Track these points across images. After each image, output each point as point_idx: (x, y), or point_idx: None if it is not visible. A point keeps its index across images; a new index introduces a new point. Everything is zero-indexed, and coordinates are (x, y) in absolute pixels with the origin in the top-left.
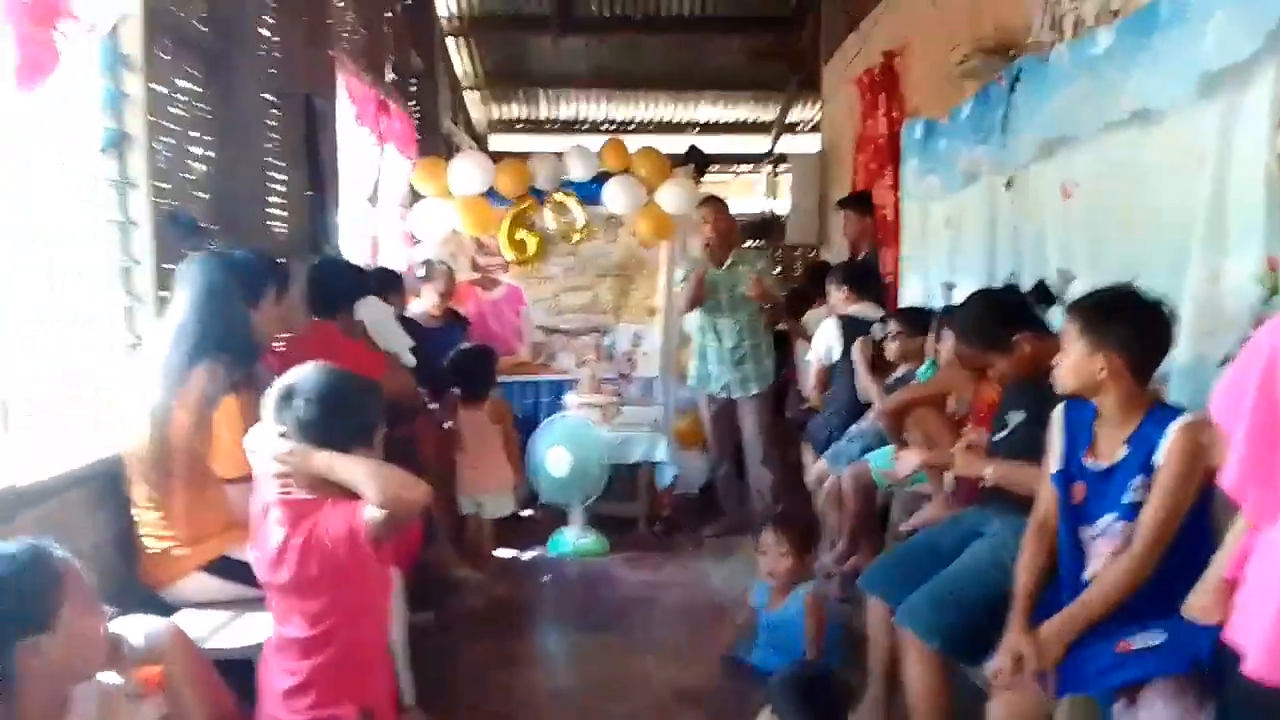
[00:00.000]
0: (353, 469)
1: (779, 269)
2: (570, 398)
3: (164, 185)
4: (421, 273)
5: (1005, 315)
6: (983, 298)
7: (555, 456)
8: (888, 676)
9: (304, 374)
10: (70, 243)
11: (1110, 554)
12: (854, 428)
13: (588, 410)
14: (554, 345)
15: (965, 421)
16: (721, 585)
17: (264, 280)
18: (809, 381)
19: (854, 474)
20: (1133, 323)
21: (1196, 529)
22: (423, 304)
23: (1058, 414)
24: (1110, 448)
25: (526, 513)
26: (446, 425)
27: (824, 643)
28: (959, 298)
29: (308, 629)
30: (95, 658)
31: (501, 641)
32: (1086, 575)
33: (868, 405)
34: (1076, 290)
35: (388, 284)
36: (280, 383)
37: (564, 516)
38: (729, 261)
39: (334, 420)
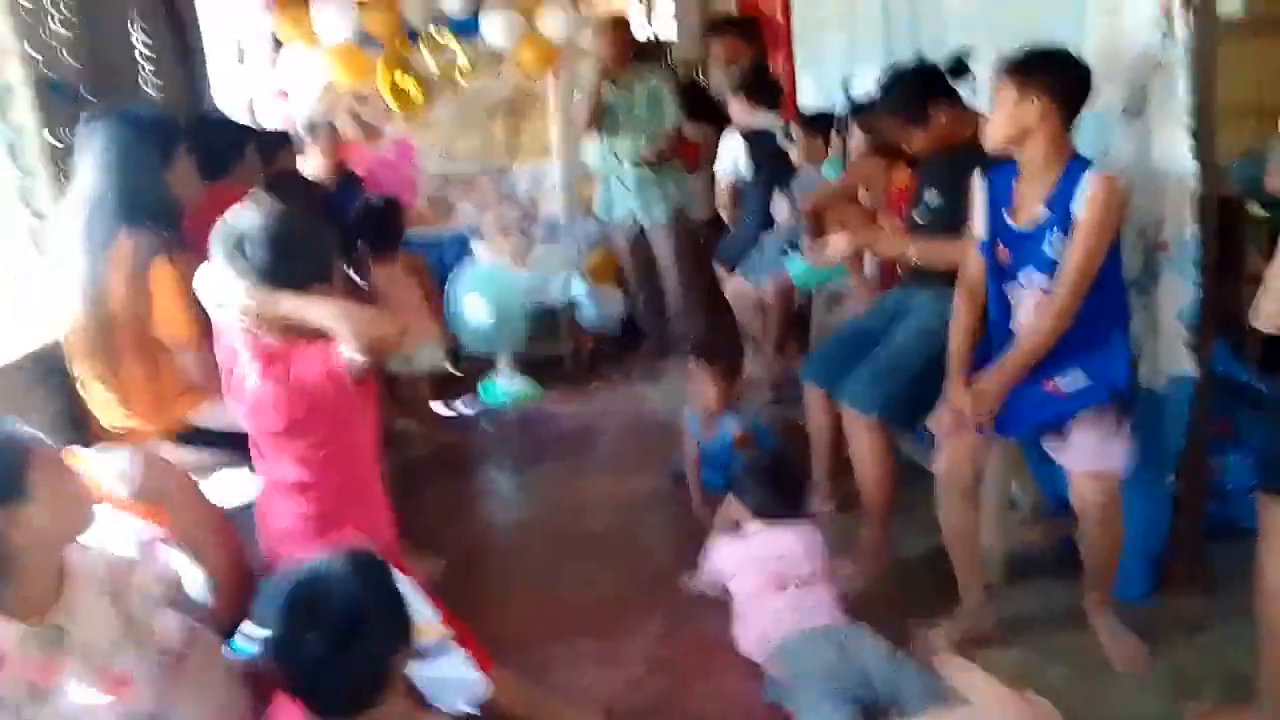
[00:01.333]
0: (323, 312)
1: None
2: (478, 246)
3: (35, 54)
4: (303, 132)
5: (922, 87)
6: (899, 72)
7: (474, 304)
8: (831, 457)
9: (252, 218)
10: None
11: (1033, 305)
12: (766, 237)
13: (497, 256)
14: (451, 194)
15: (879, 211)
16: (659, 405)
17: (174, 139)
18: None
19: (774, 281)
20: (1060, 68)
21: (1111, 275)
22: (308, 165)
23: (979, 182)
24: (1031, 207)
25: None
26: (362, 283)
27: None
28: (859, 90)
29: (302, 469)
30: (78, 521)
31: (455, 486)
32: (1013, 325)
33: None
34: (981, 66)
35: (276, 144)
36: (228, 229)
37: (491, 365)
38: (625, 81)
39: (292, 263)
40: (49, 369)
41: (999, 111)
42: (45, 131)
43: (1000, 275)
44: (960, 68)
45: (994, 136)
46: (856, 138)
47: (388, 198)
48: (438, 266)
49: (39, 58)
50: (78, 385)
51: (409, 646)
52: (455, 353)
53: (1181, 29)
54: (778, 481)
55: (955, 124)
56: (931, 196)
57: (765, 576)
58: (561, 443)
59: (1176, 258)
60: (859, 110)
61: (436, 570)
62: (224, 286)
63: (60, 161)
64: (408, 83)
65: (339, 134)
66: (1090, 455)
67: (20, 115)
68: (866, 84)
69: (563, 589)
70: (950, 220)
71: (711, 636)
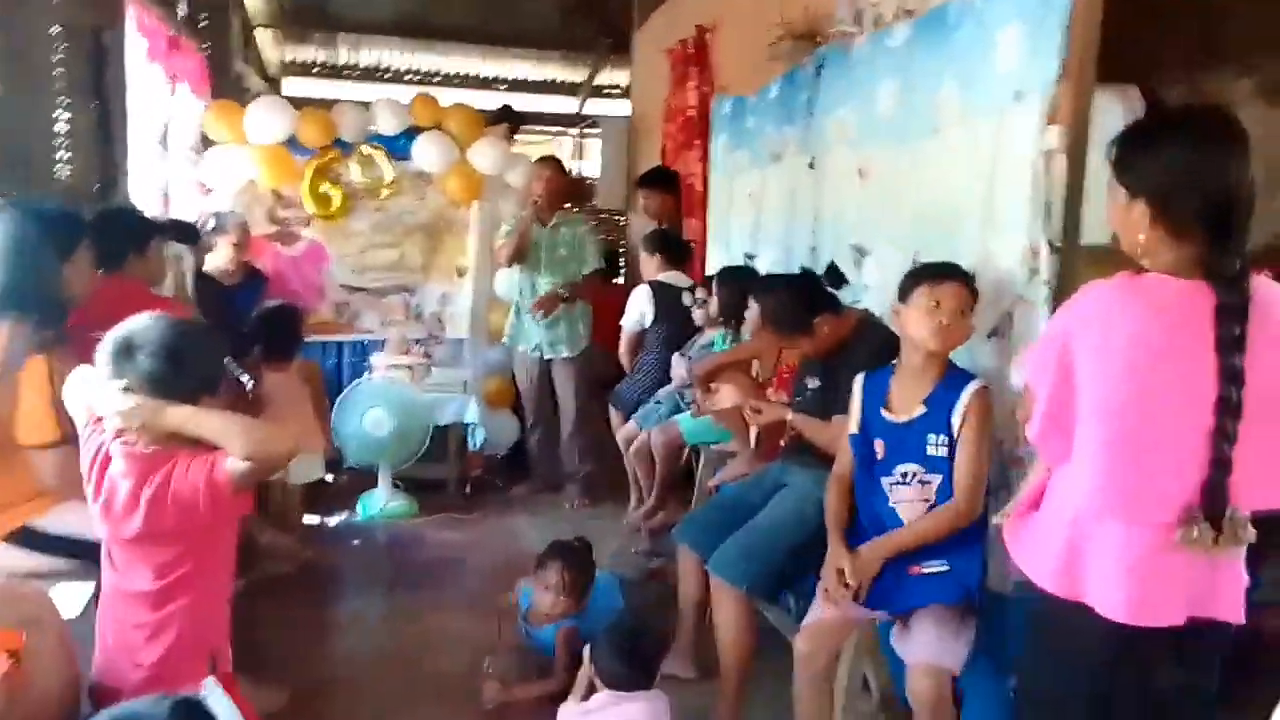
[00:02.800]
0: (213, 423)
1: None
2: (377, 358)
3: None
4: (212, 224)
5: (806, 302)
6: (785, 289)
7: (374, 419)
8: (698, 622)
9: (143, 325)
10: None
11: (916, 499)
12: (662, 391)
13: (395, 371)
14: (358, 304)
15: (769, 385)
16: (533, 544)
17: (76, 232)
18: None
19: (663, 432)
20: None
21: None
22: (216, 259)
23: (858, 384)
24: (908, 404)
25: (330, 477)
26: (250, 384)
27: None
28: (762, 267)
29: (156, 580)
30: None
31: (314, 607)
32: (892, 505)
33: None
34: (869, 266)
35: (183, 235)
36: (116, 335)
37: (371, 480)
38: (553, 222)
39: (180, 372)
40: None
41: (953, 312)
42: None
43: (876, 468)
44: (837, 279)
45: (958, 339)
46: (752, 313)
47: (289, 304)
48: (333, 373)
49: None
50: None
51: None
52: (336, 463)
53: (1045, 268)
54: (633, 654)
55: (835, 328)
56: (811, 382)
57: None
58: (429, 570)
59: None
60: (758, 286)
61: (278, 701)
62: (107, 393)
63: None
64: (333, 191)
65: (249, 230)
66: (929, 648)
67: None
68: (768, 263)
69: None
70: (824, 405)
71: None
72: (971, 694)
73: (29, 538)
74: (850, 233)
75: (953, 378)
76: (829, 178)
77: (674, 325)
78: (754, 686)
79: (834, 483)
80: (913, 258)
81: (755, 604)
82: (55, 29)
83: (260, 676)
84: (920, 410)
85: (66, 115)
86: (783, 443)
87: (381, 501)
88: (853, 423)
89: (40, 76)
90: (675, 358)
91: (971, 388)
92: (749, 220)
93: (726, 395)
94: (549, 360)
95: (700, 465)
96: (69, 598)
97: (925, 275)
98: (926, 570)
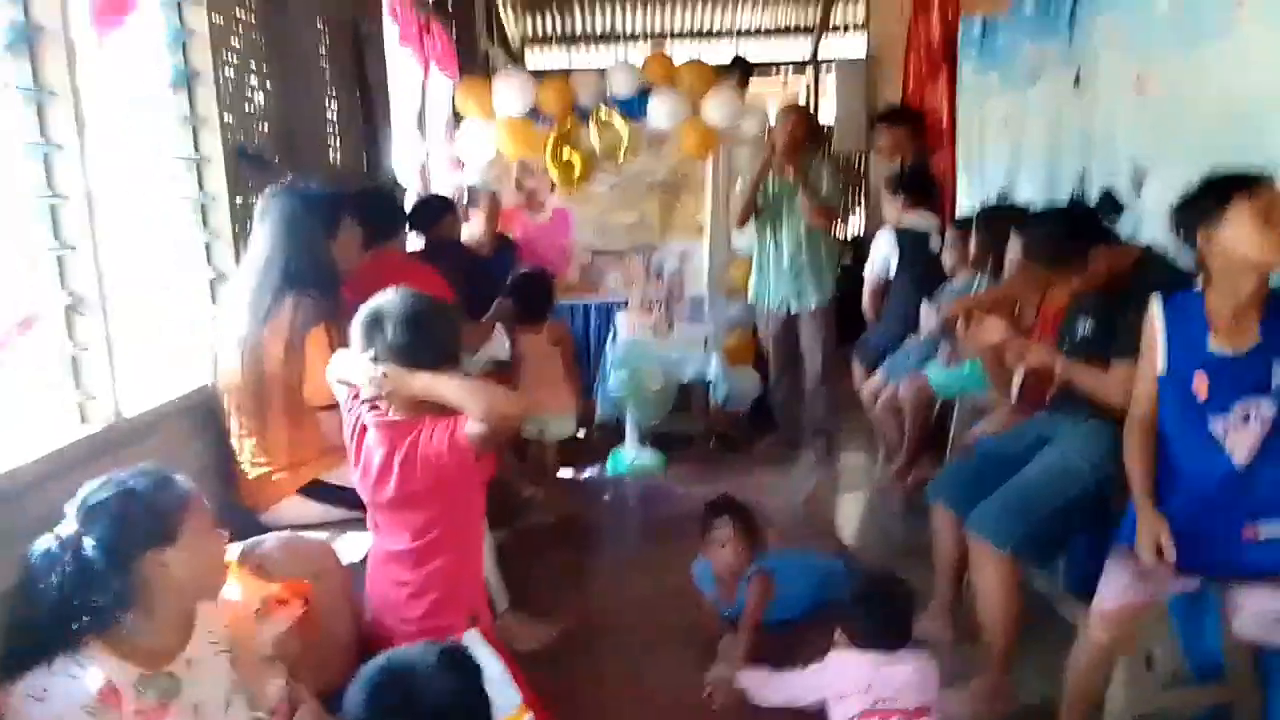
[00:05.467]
0: (452, 387)
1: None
2: (621, 318)
3: (230, 119)
4: (465, 199)
5: (1077, 232)
6: (1053, 219)
7: (614, 375)
8: (955, 583)
9: (391, 299)
10: (149, 183)
11: (1256, 440)
12: (910, 340)
13: (639, 331)
14: (601, 266)
15: (1031, 332)
16: (781, 496)
17: (339, 212)
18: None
19: (913, 384)
20: None
21: None
22: (471, 230)
23: (1157, 315)
24: (1241, 333)
25: (582, 434)
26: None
27: (760, 615)
28: (1020, 201)
29: (414, 541)
30: (216, 576)
31: (574, 555)
32: (1228, 450)
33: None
34: (1151, 189)
35: (442, 210)
36: (366, 309)
37: (620, 436)
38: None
39: (424, 342)
40: (205, 413)
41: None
42: (234, 197)
43: (1199, 410)
44: (1114, 208)
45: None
46: (1014, 251)
47: (540, 269)
48: (581, 334)
49: (232, 121)
50: (230, 434)
51: None
52: (589, 421)
53: None
54: (893, 606)
55: (1113, 261)
56: (1084, 325)
57: (870, 703)
58: (674, 523)
59: None
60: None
61: (549, 636)
62: (361, 365)
63: (242, 223)
64: (573, 157)
65: (500, 201)
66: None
67: (214, 183)
68: (1028, 195)
69: (657, 684)
70: (1099, 351)
71: None
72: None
73: (320, 490)
74: (1126, 154)
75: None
76: (1099, 92)
77: (921, 272)
78: (1020, 652)
79: (1137, 434)
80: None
81: (1020, 568)
82: (320, 22)
83: (533, 613)
84: (1257, 337)
85: (334, 103)
86: (1049, 394)
87: (630, 457)
88: (1159, 360)
89: (310, 67)
90: (924, 305)
91: None
92: (1004, 151)
93: (993, 327)
94: (794, 314)
95: (954, 419)
96: (353, 546)
97: (1240, 185)
98: (1264, 534)
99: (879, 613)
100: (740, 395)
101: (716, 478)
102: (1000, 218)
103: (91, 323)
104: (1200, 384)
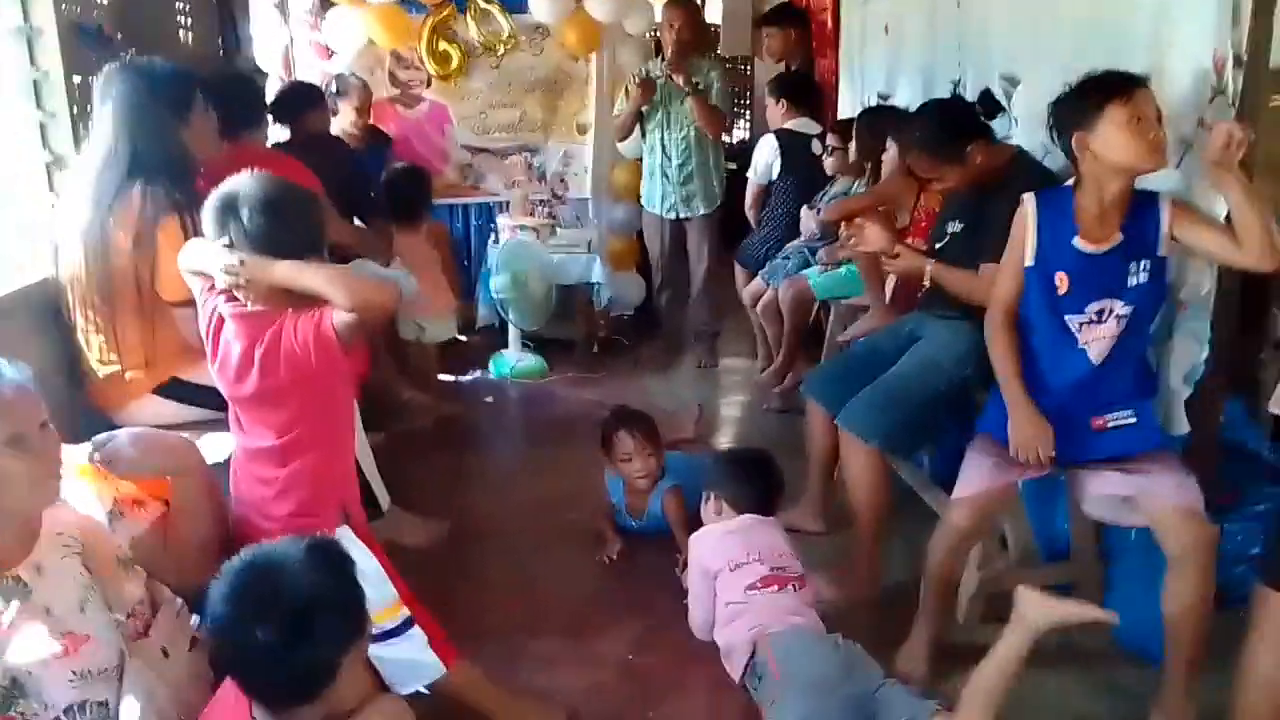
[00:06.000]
0: (317, 276)
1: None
2: (503, 220)
3: None
4: (334, 88)
5: (959, 126)
6: (933, 110)
7: (501, 280)
8: (825, 477)
9: (245, 183)
10: None
11: (1108, 337)
12: (790, 245)
13: (521, 233)
14: (481, 166)
15: (905, 233)
16: (662, 400)
17: (190, 93)
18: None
19: (791, 287)
20: None
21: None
22: (340, 123)
23: (1030, 208)
24: (1102, 232)
25: (463, 337)
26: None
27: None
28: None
29: (277, 438)
30: (49, 481)
31: (456, 459)
32: (1082, 346)
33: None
34: (1022, 98)
35: (309, 99)
36: (218, 193)
37: (501, 339)
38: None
39: (283, 229)
40: (46, 309)
41: (1154, 122)
42: (71, 75)
43: (1058, 306)
44: (993, 106)
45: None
46: (890, 154)
47: (416, 165)
48: (460, 235)
49: (72, 1)
50: (76, 330)
51: (363, 638)
52: (470, 324)
53: (1231, 85)
54: (765, 472)
55: (989, 158)
56: (954, 225)
57: (758, 567)
58: (559, 427)
59: (1192, 315)
60: (899, 125)
61: (441, 532)
62: (215, 253)
63: (81, 104)
64: (450, 49)
65: (371, 92)
66: (1174, 493)
67: (47, 58)
68: (905, 100)
69: (539, 580)
70: (968, 251)
71: (688, 648)
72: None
73: (178, 389)
74: (999, 60)
75: (1140, 200)
76: None
77: (803, 176)
78: (883, 539)
79: (1000, 325)
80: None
81: (887, 460)
82: None
83: (422, 513)
84: (1118, 238)
85: None
86: (919, 294)
87: (512, 360)
88: (1029, 253)
89: None
90: (804, 210)
91: (1166, 201)
92: (884, 56)
93: (875, 234)
94: (682, 220)
95: (830, 320)
96: (215, 446)
97: (1112, 88)
98: (1112, 423)
99: (747, 475)
100: (624, 300)
101: (599, 383)
102: (879, 120)
103: None
104: (1062, 281)
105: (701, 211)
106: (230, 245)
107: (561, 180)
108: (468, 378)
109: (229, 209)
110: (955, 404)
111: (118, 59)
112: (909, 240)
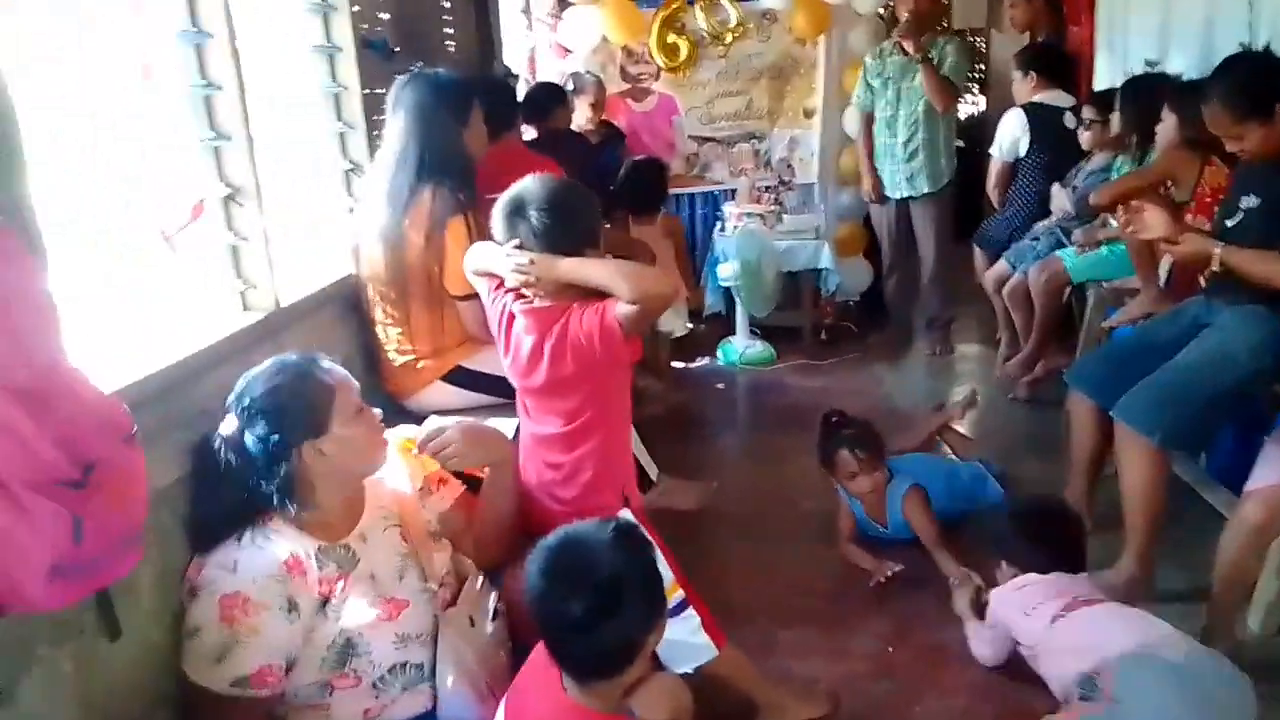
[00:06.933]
0: (600, 270)
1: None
2: (729, 208)
3: (356, 7)
4: (570, 86)
5: (1271, 81)
6: (1246, 60)
7: (722, 266)
8: (1091, 474)
9: (530, 186)
10: (287, 74)
11: None
12: (1039, 225)
13: (747, 220)
14: (707, 155)
15: (1185, 209)
16: (892, 391)
17: (469, 99)
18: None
19: (1043, 270)
20: None
21: None
22: (577, 118)
23: None
24: None
25: (691, 326)
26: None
27: (938, 527)
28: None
29: (565, 425)
30: (373, 455)
31: (690, 445)
32: None
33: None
34: None
35: (555, 99)
36: (507, 197)
37: (729, 327)
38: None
39: (567, 227)
40: (347, 304)
41: None
42: (363, 86)
43: None
44: None
45: None
46: (1167, 126)
47: (653, 158)
48: (689, 225)
49: (360, 16)
50: (374, 323)
51: (663, 620)
52: (699, 313)
53: None
54: (1051, 535)
55: None
56: (1248, 200)
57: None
58: (788, 414)
59: None
60: (1177, 94)
61: (709, 493)
62: (504, 254)
63: (367, 114)
64: (679, 41)
65: (604, 88)
66: None
67: (346, 72)
68: (1179, 67)
69: (781, 568)
70: (1268, 228)
71: (943, 649)
72: None
73: (463, 376)
74: None
75: None
76: None
77: (1054, 152)
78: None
79: None
80: None
81: (1169, 458)
82: None
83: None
84: None
85: None
86: (1202, 279)
87: (741, 348)
88: None
89: None
90: (1055, 188)
91: None
92: (1153, 19)
93: (1157, 219)
94: (907, 200)
95: (1090, 306)
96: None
97: None
98: None
99: (1043, 534)
100: (851, 286)
101: (828, 370)
102: (1149, 89)
103: (249, 212)
104: None
105: (925, 190)
106: (520, 245)
107: (788, 166)
108: (696, 365)
109: (517, 211)
110: (1243, 398)
111: (401, 71)
112: (1190, 218)
